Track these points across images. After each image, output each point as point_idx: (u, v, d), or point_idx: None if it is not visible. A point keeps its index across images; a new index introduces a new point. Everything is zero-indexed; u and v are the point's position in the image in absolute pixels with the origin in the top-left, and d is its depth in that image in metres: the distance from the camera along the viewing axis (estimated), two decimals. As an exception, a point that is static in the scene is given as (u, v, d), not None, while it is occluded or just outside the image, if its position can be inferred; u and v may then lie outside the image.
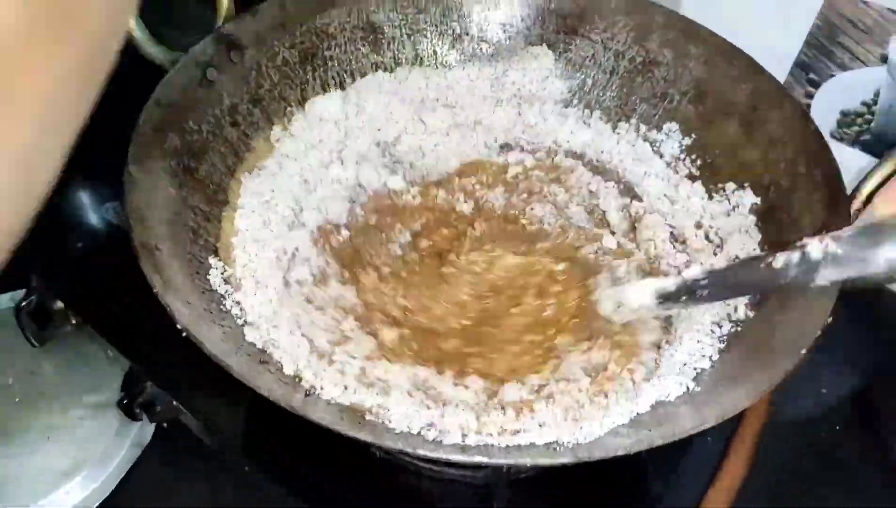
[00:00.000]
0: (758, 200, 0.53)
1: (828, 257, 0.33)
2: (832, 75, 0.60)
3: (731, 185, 0.56)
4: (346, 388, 0.42)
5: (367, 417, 0.40)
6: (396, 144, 0.60)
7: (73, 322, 0.55)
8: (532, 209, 0.57)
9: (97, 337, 0.54)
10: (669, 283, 0.41)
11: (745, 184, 0.54)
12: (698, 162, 0.59)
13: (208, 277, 0.47)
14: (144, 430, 0.51)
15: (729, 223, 0.54)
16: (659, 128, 0.61)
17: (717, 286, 0.38)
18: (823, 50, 0.59)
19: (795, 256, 0.34)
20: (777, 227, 0.50)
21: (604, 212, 0.57)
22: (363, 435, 0.38)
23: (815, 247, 0.34)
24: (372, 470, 0.49)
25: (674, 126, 0.61)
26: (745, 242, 0.52)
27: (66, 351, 0.54)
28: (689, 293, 0.39)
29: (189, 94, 0.52)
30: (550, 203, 0.57)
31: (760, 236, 0.52)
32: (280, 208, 0.53)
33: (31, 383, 0.52)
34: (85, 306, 0.55)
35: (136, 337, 0.53)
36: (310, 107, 0.60)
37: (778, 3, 0.59)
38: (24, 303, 0.55)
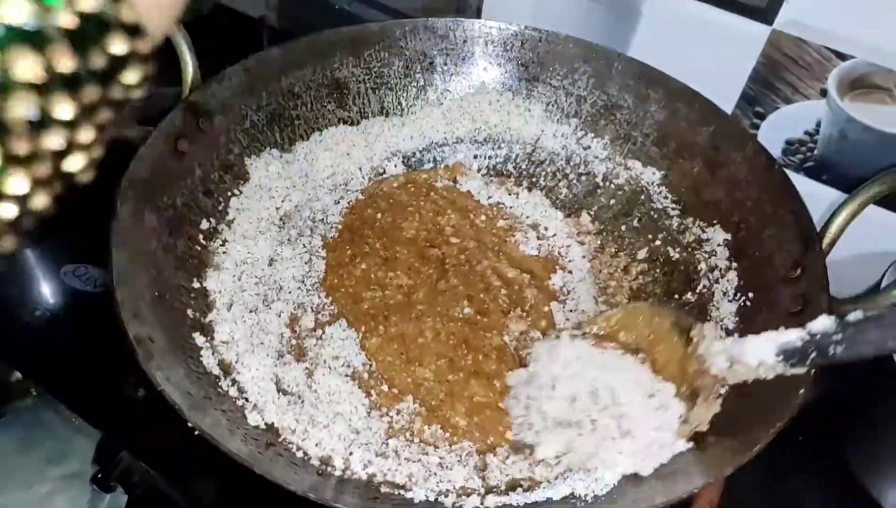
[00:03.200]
0: (728, 236, 0.56)
1: None
2: (777, 108, 0.63)
3: (700, 222, 0.58)
4: (360, 463, 0.41)
5: (384, 490, 0.40)
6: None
7: (34, 393, 0.53)
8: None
9: (60, 407, 0.51)
10: (794, 338, 0.36)
11: (714, 222, 0.57)
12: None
13: (201, 359, 0.45)
14: (117, 500, 0.50)
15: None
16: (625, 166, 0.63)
17: (855, 342, 0.34)
18: (768, 84, 0.63)
19: None
20: (751, 263, 0.53)
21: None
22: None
23: None
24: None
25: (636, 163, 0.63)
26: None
27: (26, 423, 0.52)
28: (819, 350, 0.35)
29: (162, 169, 0.51)
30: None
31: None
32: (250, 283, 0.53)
33: None
34: (47, 376, 0.52)
35: (104, 406, 0.51)
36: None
37: (724, 42, 0.62)
38: None
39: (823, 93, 0.60)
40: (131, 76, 0.24)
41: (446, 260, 0.56)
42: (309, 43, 0.61)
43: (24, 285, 0.60)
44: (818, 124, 0.62)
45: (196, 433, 0.37)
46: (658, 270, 0.58)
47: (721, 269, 0.54)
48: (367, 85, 0.65)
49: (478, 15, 0.73)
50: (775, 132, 0.64)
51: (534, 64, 0.66)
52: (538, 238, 0.60)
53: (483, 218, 0.60)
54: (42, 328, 0.56)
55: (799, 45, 0.59)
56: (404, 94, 0.67)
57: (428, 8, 0.77)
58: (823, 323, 0.36)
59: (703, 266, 0.56)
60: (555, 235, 0.61)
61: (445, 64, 0.67)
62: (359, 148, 0.64)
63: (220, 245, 0.54)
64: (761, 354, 0.38)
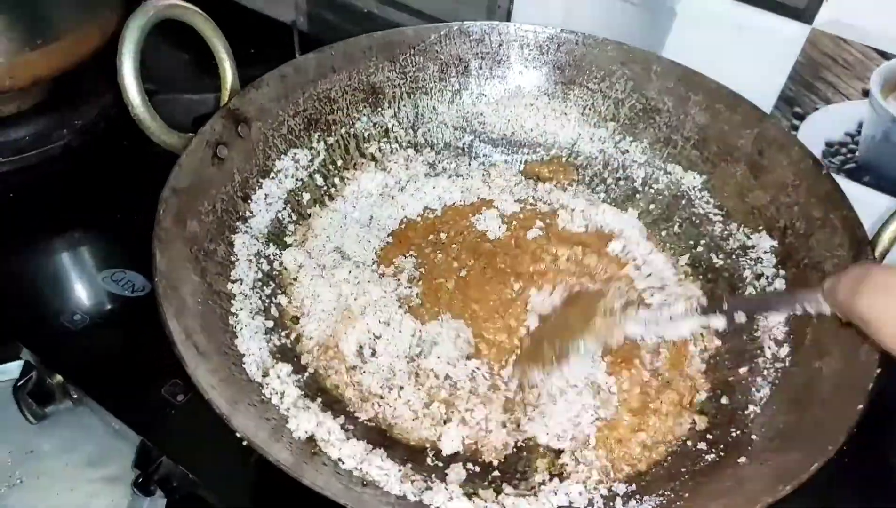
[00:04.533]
0: (775, 243, 0.54)
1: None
2: (816, 108, 0.62)
3: (744, 228, 0.57)
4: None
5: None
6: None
7: (75, 396, 0.53)
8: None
9: (100, 410, 0.51)
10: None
11: (760, 228, 0.56)
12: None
13: (244, 366, 0.45)
14: (156, 504, 0.49)
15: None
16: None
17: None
18: (807, 85, 0.61)
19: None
20: (799, 270, 0.52)
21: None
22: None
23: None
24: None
25: (677, 168, 0.62)
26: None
27: (66, 426, 0.52)
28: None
29: (203, 176, 0.51)
30: None
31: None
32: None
33: (32, 462, 0.50)
34: (87, 380, 0.53)
35: (145, 411, 0.51)
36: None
37: (761, 42, 0.61)
38: (22, 381, 0.53)
39: (865, 93, 0.59)
40: None
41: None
42: (344, 48, 0.61)
43: (64, 290, 0.60)
44: (860, 125, 0.60)
45: (243, 441, 0.36)
46: (701, 277, 0.57)
47: (768, 277, 0.53)
48: (403, 89, 0.65)
49: (508, 17, 0.73)
50: (815, 133, 0.62)
51: (570, 67, 0.65)
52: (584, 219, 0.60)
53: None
54: (82, 332, 0.56)
55: (839, 45, 0.58)
56: (440, 98, 0.66)
57: (457, 10, 0.76)
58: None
59: (748, 273, 0.55)
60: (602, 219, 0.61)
61: (481, 68, 0.66)
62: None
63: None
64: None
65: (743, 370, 0.49)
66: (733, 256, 0.56)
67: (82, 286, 0.61)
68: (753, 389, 0.47)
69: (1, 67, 0.63)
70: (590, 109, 0.65)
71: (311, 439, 0.42)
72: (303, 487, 0.36)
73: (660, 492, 0.41)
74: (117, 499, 0.48)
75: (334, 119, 0.62)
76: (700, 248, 0.58)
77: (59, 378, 0.53)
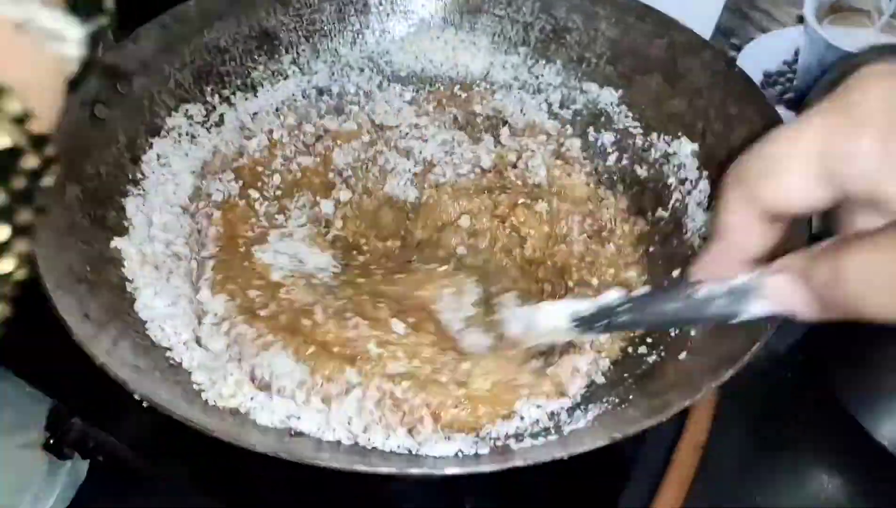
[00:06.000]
0: (695, 146, 0.53)
1: (755, 290, 0.29)
2: (752, 38, 0.60)
3: (664, 136, 0.55)
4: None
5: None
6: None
7: None
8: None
9: (10, 376, 0.48)
10: (585, 307, 0.37)
11: (679, 134, 0.54)
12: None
13: (147, 331, 0.41)
14: (78, 467, 0.47)
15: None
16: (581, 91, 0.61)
17: (638, 314, 0.35)
18: (742, 14, 0.59)
19: (720, 288, 0.31)
20: (722, 168, 0.50)
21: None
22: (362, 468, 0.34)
23: (743, 278, 0.30)
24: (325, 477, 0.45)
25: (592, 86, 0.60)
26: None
27: None
28: (607, 319, 0.35)
29: (80, 138, 0.46)
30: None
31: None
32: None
33: None
34: None
35: (54, 372, 0.48)
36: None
37: None
38: None
39: (800, 19, 0.57)
40: (31, 161, 0.22)
41: None
42: (229, -8, 0.57)
43: None
44: (797, 53, 0.59)
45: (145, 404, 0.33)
46: (628, 190, 0.55)
47: (692, 180, 0.52)
48: (300, 33, 0.61)
49: None
50: (752, 64, 0.60)
51: (474, -6, 0.62)
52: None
53: None
54: None
55: None
56: (341, 40, 0.62)
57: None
58: (612, 295, 0.36)
59: (672, 180, 0.53)
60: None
61: (381, 3, 0.62)
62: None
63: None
64: (556, 321, 0.38)
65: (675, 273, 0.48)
66: (656, 165, 0.55)
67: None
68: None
69: None
70: (499, 36, 0.63)
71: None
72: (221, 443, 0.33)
73: (604, 399, 0.40)
74: (35, 466, 0.45)
75: (227, 70, 0.58)
76: (624, 162, 0.57)
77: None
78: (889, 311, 0.25)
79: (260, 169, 0.55)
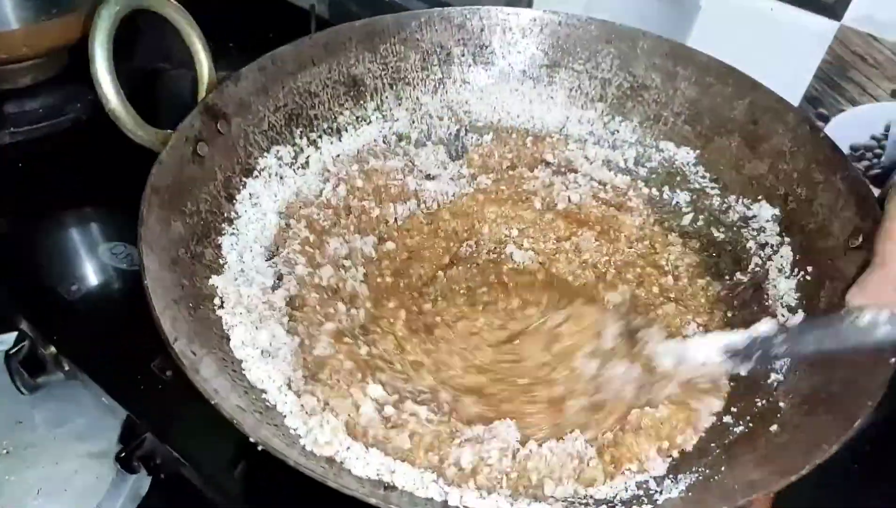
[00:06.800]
0: (776, 211, 0.53)
1: None
2: (842, 110, 0.59)
3: (744, 199, 0.56)
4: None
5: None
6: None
7: (66, 368, 0.52)
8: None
9: (92, 384, 0.50)
10: (738, 339, 0.38)
11: (759, 197, 0.55)
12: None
13: (244, 372, 0.42)
14: (141, 482, 0.49)
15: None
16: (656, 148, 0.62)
17: (795, 343, 0.36)
18: (833, 84, 0.58)
19: (884, 315, 0.32)
20: (805, 236, 0.51)
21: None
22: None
23: None
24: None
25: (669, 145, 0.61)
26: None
27: (58, 399, 0.52)
28: (760, 350, 0.36)
29: (184, 174, 0.48)
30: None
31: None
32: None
33: (21, 433, 0.50)
34: (79, 352, 0.52)
35: (133, 386, 0.49)
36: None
37: (787, 38, 0.58)
38: (14, 350, 0.53)
39: (894, 94, 0.57)
40: None
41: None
42: (323, 38, 0.59)
43: (65, 261, 0.60)
44: (887, 128, 0.58)
45: (260, 447, 0.34)
46: (704, 253, 0.55)
47: (773, 246, 0.52)
48: (384, 81, 0.63)
49: (529, 4, 0.71)
50: (839, 136, 0.56)
51: (554, 49, 0.64)
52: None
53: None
54: (78, 303, 0.55)
55: (869, 42, 0.55)
56: (423, 89, 0.64)
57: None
58: (767, 325, 0.37)
59: (751, 244, 0.54)
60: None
61: (463, 54, 0.64)
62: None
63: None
64: (707, 354, 0.39)
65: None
66: (734, 228, 0.55)
67: (82, 258, 0.60)
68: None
69: (17, 35, 0.66)
70: (576, 91, 0.64)
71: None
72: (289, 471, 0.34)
73: (693, 469, 0.39)
74: (102, 475, 0.47)
75: (316, 113, 0.60)
76: (699, 223, 0.57)
77: (52, 349, 0.52)
78: None
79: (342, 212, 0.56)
